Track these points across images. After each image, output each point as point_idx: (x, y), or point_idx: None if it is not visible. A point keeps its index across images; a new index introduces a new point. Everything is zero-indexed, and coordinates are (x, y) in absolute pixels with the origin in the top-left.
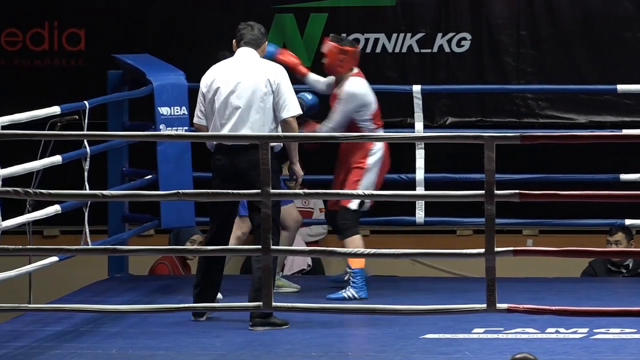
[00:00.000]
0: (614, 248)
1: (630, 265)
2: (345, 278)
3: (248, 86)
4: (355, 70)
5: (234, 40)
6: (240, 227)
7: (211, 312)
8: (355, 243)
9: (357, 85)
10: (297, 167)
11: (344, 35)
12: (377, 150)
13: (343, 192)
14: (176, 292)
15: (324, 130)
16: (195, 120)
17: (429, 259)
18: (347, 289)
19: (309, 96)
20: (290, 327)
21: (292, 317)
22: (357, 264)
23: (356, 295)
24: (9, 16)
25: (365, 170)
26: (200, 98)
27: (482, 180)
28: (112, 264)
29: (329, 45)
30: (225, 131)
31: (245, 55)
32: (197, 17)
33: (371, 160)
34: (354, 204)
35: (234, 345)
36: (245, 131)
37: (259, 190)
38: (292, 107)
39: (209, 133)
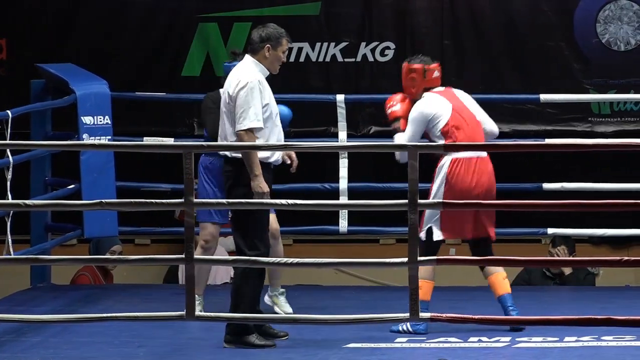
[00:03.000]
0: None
1: (567, 273)
2: None
3: (224, 95)
4: (437, 89)
5: None
6: (204, 233)
7: None
8: (421, 272)
9: (419, 106)
10: (256, 182)
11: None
12: (441, 170)
13: (267, 202)
14: (98, 301)
15: (399, 140)
16: None
17: (353, 268)
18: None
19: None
20: (214, 337)
21: (216, 326)
22: (421, 295)
23: (411, 330)
24: None
25: (432, 197)
26: None
27: (406, 190)
28: (34, 273)
29: (403, 65)
30: None
31: (242, 62)
32: (121, 27)
33: (435, 186)
34: (422, 234)
35: (157, 355)
36: (219, 139)
37: (182, 200)
38: (244, 121)
39: (132, 142)
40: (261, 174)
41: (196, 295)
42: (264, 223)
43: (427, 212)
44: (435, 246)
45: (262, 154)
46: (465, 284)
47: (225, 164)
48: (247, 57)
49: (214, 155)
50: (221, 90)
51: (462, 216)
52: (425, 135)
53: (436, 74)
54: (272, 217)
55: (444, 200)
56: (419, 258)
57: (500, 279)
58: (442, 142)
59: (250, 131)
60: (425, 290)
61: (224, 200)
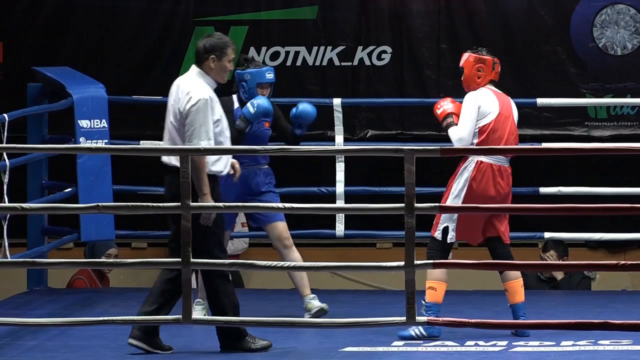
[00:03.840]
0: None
1: (559, 277)
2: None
3: (172, 108)
4: (495, 88)
5: None
6: None
7: None
8: (433, 275)
9: (473, 95)
10: (204, 201)
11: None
12: (465, 171)
13: (262, 205)
14: (95, 305)
15: (454, 132)
16: None
17: (349, 271)
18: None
19: (251, 110)
20: (210, 340)
21: (213, 330)
22: (432, 297)
23: (424, 333)
24: None
25: (451, 194)
26: None
27: (403, 193)
28: (31, 276)
29: (465, 56)
30: None
31: (188, 72)
32: (117, 30)
33: (456, 185)
34: (437, 234)
35: (153, 359)
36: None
37: (179, 203)
38: (194, 139)
39: (128, 146)
40: (209, 192)
41: (200, 300)
42: (220, 238)
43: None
44: (448, 248)
45: (216, 168)
46: (461, 288)
47: (171, 174)
48: (193, 68)
49: None
50: (234, 97)
51: (477, 223)
52: None
53: (499, 69)
54: (282, 225)
55: (440, 205)
56: (416, 262)
57: (518, 287)
58: (475, 140)
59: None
60: (439, 291)
61: (220, 204)
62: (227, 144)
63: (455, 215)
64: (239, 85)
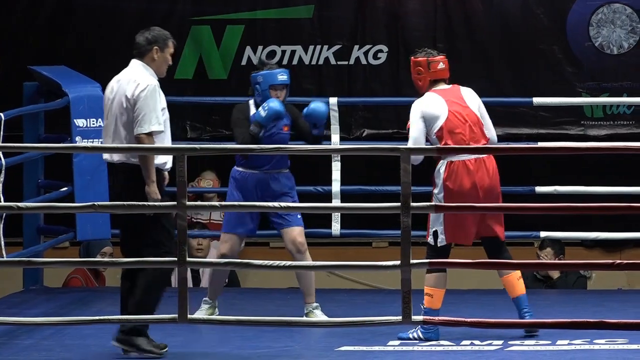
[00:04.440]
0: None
1: (555, 276)
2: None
3: (116, 100)
4: (442, 86)
5: None
6: (223, 245)
7: None
8: (428, 281)
9: (416, 105)
10: (153, 189)
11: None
12: (438, 175)
13: (258, 205)
14: (91, 304)
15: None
16: None
17: (345, 271)
18: (417, 328)
19: (262, 113)
20: (206, 340)
21: (209, 329)
22: (429, 303)
23: (422, 336)
24: None
25: (434, 200)
26: None
27: (399, 193)
28: (27, 276)
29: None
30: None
31: (128, 67)
32: (114, 30)
33: (435, 190)
34: (430, 239)
35: (148, 358)
36: (110, 142)
37: (175, 203)
38: (145, 124)
39: (125, 145)
40: (156, 180)
41: (208, 299)
42: (171, 233)
43: (432, 215)
44: (442, 251)
45: (160, 160)
46: (457, 287)
47: (120, 171)
48: (135, 62)
49: (244, 166)
50: (251, 102)
51: (464, 221)
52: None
53: (441, 65)
54: (299, 230)
55: (436, 204)
56: (412, 261)
57: (515, 279)
58: (436, 143)
59: (151, 135)
60: (435, 297)
61: (217, 204)
62: (168, 135)
63: (442, 218)
64: (253, 88)
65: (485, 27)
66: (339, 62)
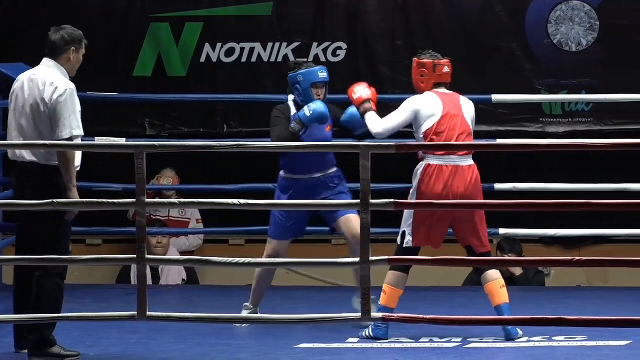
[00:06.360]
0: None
1: (517, 274)
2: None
3: (31, 102)
4: (442, 90)
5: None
6: (267, 248)
7: None
8: (387, 279)
9: (414, 98)
10: (74, 193)
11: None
12: (416, 175)
13: (217, 202)
14: None
15: (378, 123)
16: None
17: (305, 268)
18: (369, 327)
19: (307, 113)
20: (165, 337)
21: (168, 326)
22: (385, 301)
23: (372, 335)
24: None
25: (410, 197)
26: None
27: (358, 190)
28: None
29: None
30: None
31: (41, 66)
32: (75, 26)
33: (411, 191)
34: (399, 239)
35: (108, 355)
36: (23, 149)
37: (134, 200)
38: (66, 129)
39: (83, 142)
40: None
41: (250, 305)
42: (69, 236)
43: (403, 216)
44: (408, 252)
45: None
46: (417, 284)
47: (29, 172)
48: (48, 61)
49: (290, 172)
50: (291, 103)
51: (432, 224)
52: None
53: (446, 69)
54: (355, 218)
55: (395, 200)
56: (371, 258)
57: (498, 288)
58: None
59: (71, 140)
60: (389, 295)
61: (176, 201)
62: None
63: (411, 220)
64: (292, 89)
65: (444, 24)
66: (298, 59)
